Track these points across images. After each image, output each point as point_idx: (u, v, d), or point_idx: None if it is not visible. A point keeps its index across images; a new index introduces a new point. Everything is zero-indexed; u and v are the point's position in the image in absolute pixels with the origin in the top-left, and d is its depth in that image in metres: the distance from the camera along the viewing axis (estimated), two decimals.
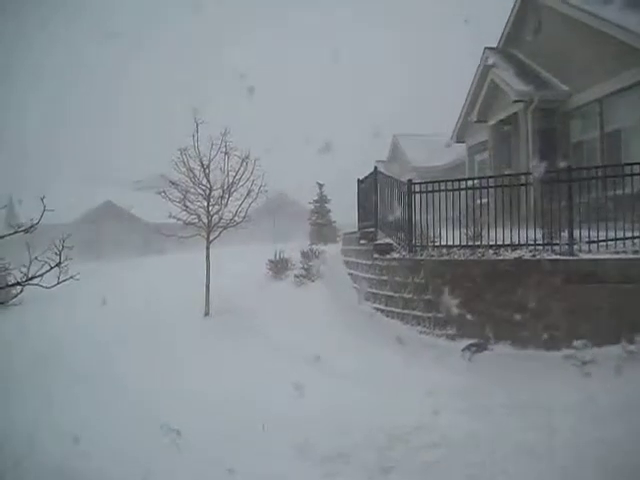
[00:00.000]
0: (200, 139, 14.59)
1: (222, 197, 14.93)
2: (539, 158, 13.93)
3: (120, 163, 66.21)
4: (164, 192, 14.99)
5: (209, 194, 14.83)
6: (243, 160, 14.79)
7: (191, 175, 14.74)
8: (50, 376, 9.47)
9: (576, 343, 7.82)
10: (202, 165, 14.67)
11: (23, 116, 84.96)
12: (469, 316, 9.08)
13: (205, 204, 14.88)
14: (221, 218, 15.04)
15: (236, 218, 15.13)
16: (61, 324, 13.32)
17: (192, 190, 14.88)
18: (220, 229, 15.21)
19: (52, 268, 5.27)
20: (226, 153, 14.69)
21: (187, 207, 14.90)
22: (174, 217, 15.09)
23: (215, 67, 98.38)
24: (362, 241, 13.57)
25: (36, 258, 5.41)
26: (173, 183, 14.94)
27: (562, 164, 11.10)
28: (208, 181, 14.79)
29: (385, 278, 11.40)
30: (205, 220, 14.96)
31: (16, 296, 6.36)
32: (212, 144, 14.54)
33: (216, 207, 14.95)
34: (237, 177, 14.87)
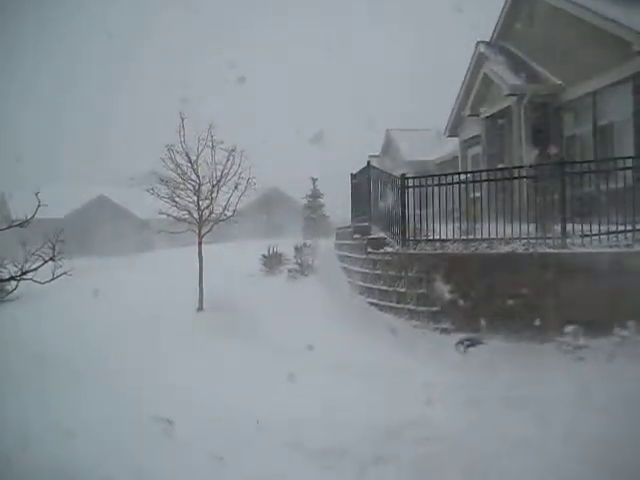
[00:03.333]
0: (188, 134, 14.56)
1: (211, 191, 14.90)
2: (532, 152, 13.96)
3: (114, 160, 66.00)
4: (152, 189, 14.97)
5: (198, 189, 14.80)
6: (229, 153, 14.77)
7: (179, 171, 14.70)
8: (43, 372, 9.44)
9: (568, 329, 7.88)
10: (189, 160, 14.64)
11: (18, 113, 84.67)
12: (463, 310, 9.11)
13: (195, 199, 14.85)
14: (211, 212, 15.02)
15: (226, 212, 15.11)
16: (54, 320, 13.26)
17: (181, 186, 14.84)
18: (211, 223, 15.19)
19: (45, 262, 5.26)
20: (212, 147, 14.66)
21: (177, 203, 14.87)
22: (164, 213, 15.08)
23: (211, 61, 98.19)
24: (356, 235, 13.58)
25: (32, 254, 5.40)
26: (162, 180, 14.91)
27: (555, 158, 11.14)
28: (197, 176, 14.76)
29: (379, 272, 11.42)
30: (196, 215, 14.93)
31: (11, 292, 6.34)
32: (199, 139, 14.52)
33: (206, 202, 14.92)
34: (225, 171, 14.84)
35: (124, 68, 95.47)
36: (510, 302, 8.62)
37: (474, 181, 10.75)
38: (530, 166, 11.14)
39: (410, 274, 10.35)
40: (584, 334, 7.89)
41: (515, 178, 10.42)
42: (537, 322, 8.32)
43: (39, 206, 5.29)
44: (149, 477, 5.47)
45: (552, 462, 5.13)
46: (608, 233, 9.08)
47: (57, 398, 7.94)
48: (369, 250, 11.95)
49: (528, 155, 14.23)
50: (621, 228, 9.11)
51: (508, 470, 5.17)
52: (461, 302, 9.05)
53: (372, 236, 12.33)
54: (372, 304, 11.43)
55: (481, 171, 11.73)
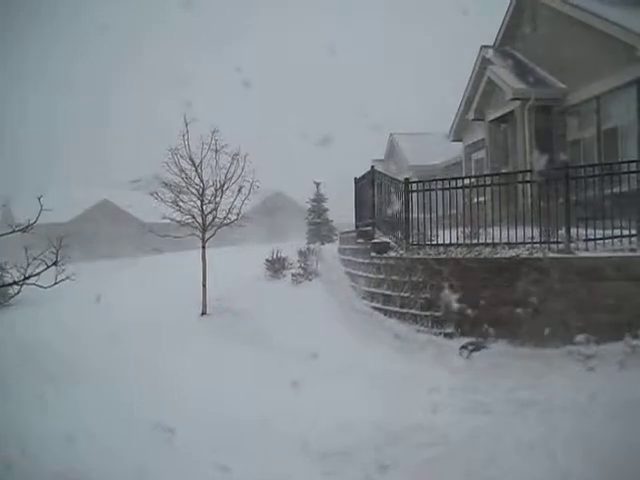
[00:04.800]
0: (192, 138, 14.61)
1: (215, 195, 14.92)
2: (536, 156, 13.95)
3: (117, 163, 66.18)
4: (156, 193, 15.00)
5: (202, 193, 14.82)
6: (233, 157, 14.81)
7: (184, 175, 14.73)
8: (44, 376, 9.44)
9: (579, 337, 7.83)
10: (193, 164, 14.66)
11: (20, 117, 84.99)
12: (466, 314, 9.07)
13: (199, 203, 14.87)
14: (215, 217, 15.03)
15: (230, 216, 15.13)
16: (56, 324, 13.28)
17: (185, 190, 14.87)
18: (215, 228, 15.20)
19: (48, 267, 5.25)
20: (216, 151, 14.69)
21: (180, 207, 14.89)
22: (168, 218, 15.10)
23: (212, 62, 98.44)
24: (359, 240, 13.57)
25: (35, 258, 5.39)
26: (165, 184, 14.93)
27: (559, 162, 11.12)
28: (201, 180, 14.79)
29: (382, 277, 11.40)
30: (200, 220, 14.95)
31: (14, 296, 6.34)
32: (202, 143, 14.55)
33: (210, 206, 14.94)
34: (229, 174, 14.86)
35: (125, 69, 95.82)
36: (514, 307, 8.60)
37: (478, 185, 10.75)
38: (534, 170, 11.12)
39: (414, 279, 10.32)
40: (592, 341, 7.84)
41: (519, 182, 10.41)
42: (541, 327, 8.30)
43: (41, 210, 5.28)
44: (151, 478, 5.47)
45: (556, 467, 5.11)
46: (613, 237, 9.06)
47: (57, 401, 7.95)
48: (373, 254, 11.93)
49: (532, 159, 14.21)
50: (626, 232, 9.08)
51: (511, 474, 5.15)
52: (465, 307, 9.03)
53: (376, 240, 12.31)
54: (376, 309, 11.40)
55: (485, 175, 11.74)
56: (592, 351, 7.66)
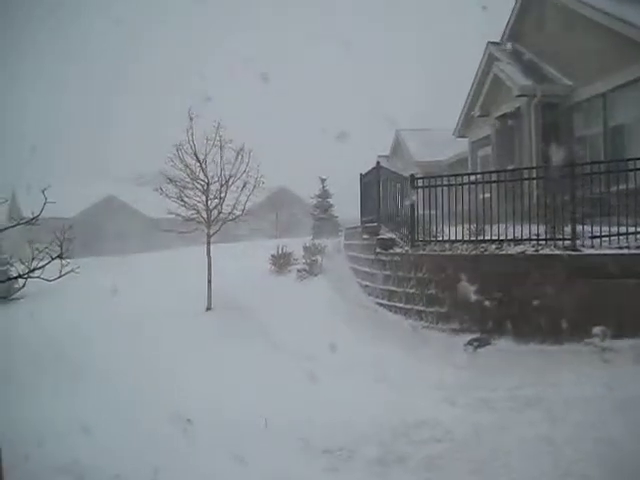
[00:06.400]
0: (197, 134, 14.63)
1: (220, 191, 14.94)
2: (542, 153, 13.89)
3: (123, 158, 66.26)
4: (161, 189, 15.04)
5: (207, 188, 14.84)
6: (238, 153, 14.83)
7: (188, 171, 14.75)
8: (53, 372, 9.49)
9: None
10: (198, 160, 14.67)
11: (25, 111, 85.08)
12: (472, 311, 9.07)
13: (204, 199, 14.89)
14: (220, 212, 15.06)
15: (235, 211, 15.15)
16: (64, 319, 13.33)
17: (190, 185, 14.89)
18: (220, 223, 15.22)
19: (53, 259, 5.27)
20: (221, 147, 14.71)
21: (185, 203, 14.92)
22: (173, 213, 15.14)
23: (214, 59, 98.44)
24: (365, 236, 13.56)
25: (40, 252, 5.41)
26: (170, 180, 14.95)
27: (565, 159, 11.06)
28: (205, 175, 14.82)
29: (388, 273, 11.39)
30: (204, 215, 14.97)
31: (19, 290, 6.35)
32: (207, 138, 14.56)
33: (215, 201, 14.97)
34: (233, 170, 14.89)
35: (127, 67, 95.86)
36: (519, 303, 8.59)
37: (484, 182, 10.70)
38: (540, 167, 11.09)
39: (419, 275, 10.31)
40: (596, 336, 7.83)
41: (525, 179, 10.37)
42: (546, 323, 8.29)
43: (45, 202, 5.28)
44: (157, 476, 5.48)
45: (559, 463, 5.10)
46: (618, 235, 9.02)
47: (68, 397, 7.98)
48: (378, 251, 11.92)
49: (538, 156, 14.17)
50: (632, 229, 9.04)
51: (515, 471, 5.15)
52: (470, 303, 9.02)
53: (381, 236, 12.29)
54: (381, 305, 11.40)
55: (491, 172, 11.68)
56: (605, 345, 7.66)
